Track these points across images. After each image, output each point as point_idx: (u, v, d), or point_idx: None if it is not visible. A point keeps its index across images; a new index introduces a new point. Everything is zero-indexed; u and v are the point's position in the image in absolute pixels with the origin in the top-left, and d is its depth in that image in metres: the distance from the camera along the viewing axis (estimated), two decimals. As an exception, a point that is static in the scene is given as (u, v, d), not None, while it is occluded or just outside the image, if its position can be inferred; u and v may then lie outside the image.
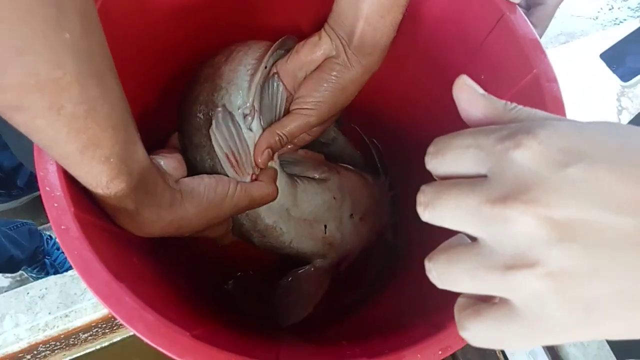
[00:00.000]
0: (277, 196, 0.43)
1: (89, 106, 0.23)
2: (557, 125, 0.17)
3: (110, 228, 0.32)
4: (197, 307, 0.37)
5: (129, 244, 0.33)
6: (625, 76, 0.60)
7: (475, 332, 0.19)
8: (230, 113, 0.41)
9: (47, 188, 0.28)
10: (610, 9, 1.75)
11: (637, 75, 0.59)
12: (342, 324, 0.48)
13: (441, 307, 0.33)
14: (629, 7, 1.76)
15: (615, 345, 0.56)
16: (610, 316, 0.16)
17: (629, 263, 0.15)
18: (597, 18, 1.72)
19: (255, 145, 0.41)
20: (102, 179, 0.27)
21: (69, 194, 0.28)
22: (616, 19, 1.72)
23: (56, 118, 0.22)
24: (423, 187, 0.20)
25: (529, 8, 0.37)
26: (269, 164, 0.43)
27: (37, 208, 1.27)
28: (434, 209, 0.19)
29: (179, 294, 0.36)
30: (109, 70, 0.25)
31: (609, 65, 0.60)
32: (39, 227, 1.13)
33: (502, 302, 0.18)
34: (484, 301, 0.19)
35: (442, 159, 0.20)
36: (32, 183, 1.19)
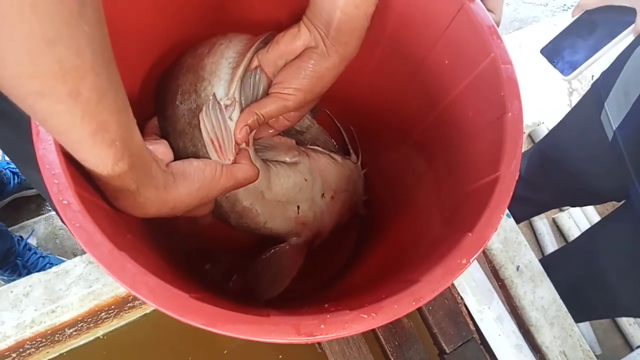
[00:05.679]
0: (258, 177, 0.44)
1: (101, 93, 0.25)
2: None
3: (105, 206, 0.33)
4: (188, 278, 0.39)
5: (122, 222, 0.35)
6: (565, 70, 0.60)
7: None
8: (218, 102, 0.42)
9: (47, 166, 0.29)
10: (559, -4, 1.84)
11: (576, 68, 0.59)
12: (322, 292, 0.51)
13: (411, 267, 0.36)
14: (575, -7, 1.86)
15: (571, 308, 0.61)
16: None
17: None
18: (547, 5, 1.81)
19: (236, 122, 0.43)
20: (108, 161, 0.28)
21: (68, 171, 0.29)
22: (564, 5, 1.81)
23: (74, 104, 0.24)
24: None
25: None
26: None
27: (4, 212, 1.25)
28: None
29: (170, 266, 0.38)
30: (112, 60, 0.26)
31: (550, 60, 0.61)
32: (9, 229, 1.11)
33: None
34: None
35: None
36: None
